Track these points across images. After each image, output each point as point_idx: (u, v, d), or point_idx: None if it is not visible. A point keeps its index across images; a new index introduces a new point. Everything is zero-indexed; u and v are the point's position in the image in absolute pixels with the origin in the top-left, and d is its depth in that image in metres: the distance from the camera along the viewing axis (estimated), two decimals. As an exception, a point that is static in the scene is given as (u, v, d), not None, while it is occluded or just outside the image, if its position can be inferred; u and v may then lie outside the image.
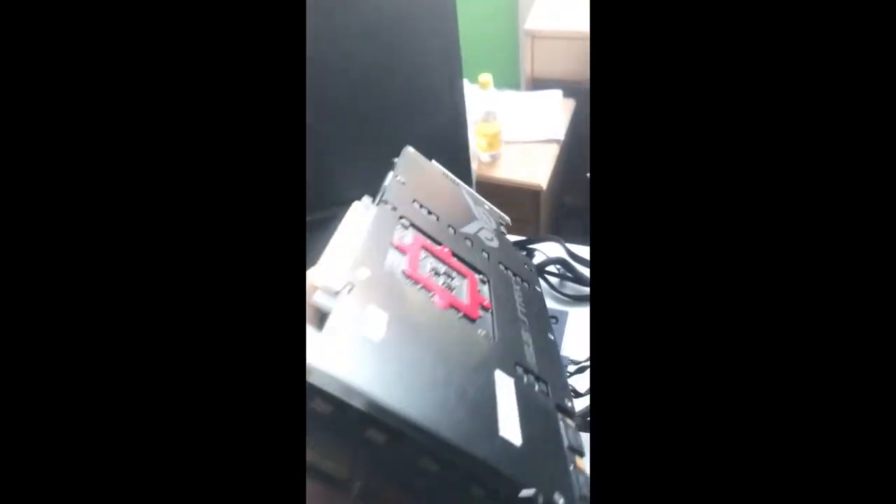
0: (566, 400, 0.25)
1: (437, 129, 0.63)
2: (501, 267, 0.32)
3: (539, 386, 0.24)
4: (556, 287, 0.65)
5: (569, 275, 0.64)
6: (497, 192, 1.33)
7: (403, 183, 0.31)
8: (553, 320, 0.52)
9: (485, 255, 0.32)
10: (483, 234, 0.34)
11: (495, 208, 0.41)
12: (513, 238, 0.68)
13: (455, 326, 0.23)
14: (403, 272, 0.24)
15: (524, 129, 1.39)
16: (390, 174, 0.32)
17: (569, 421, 0.23)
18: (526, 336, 0.27)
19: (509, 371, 0.23)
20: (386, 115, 0.60)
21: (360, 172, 0.64)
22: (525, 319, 0.29)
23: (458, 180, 0.39)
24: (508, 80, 1.68)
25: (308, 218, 0.77)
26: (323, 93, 0.57)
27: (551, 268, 0.66)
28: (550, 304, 0.63)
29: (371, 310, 0.19)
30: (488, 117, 1.24)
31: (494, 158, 1.34)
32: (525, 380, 0.23)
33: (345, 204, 0.67)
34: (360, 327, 0.18)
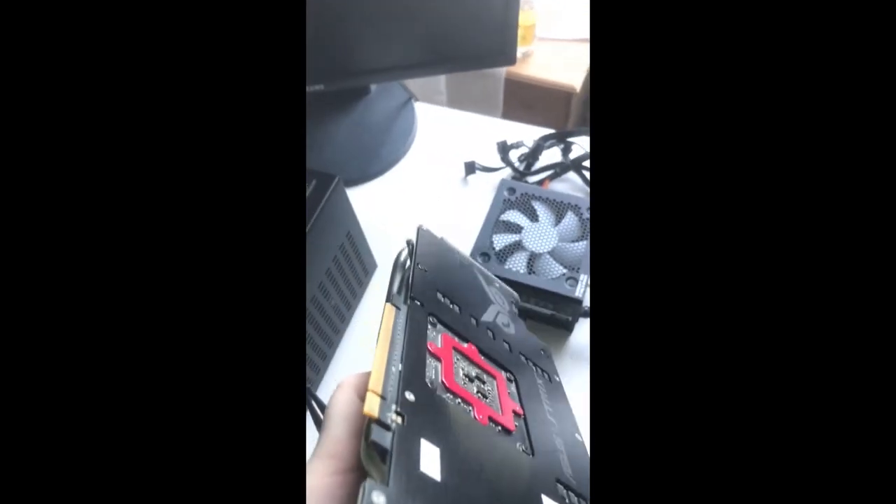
0: None
1: (482, 5, 0.57)
2: (522, 358, 0.32)
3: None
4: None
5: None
6: (527, 93, 1.26)
7: (426, 271, 0.31)
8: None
9: (506, 345, 0.32)
10: (500, 320, 0.34)
11: (505, 285, 0.41)
12: (547, 131, 0.65)
13: (498, 447, 0.23)
14: (443, 384, 0.24)
15: (561, 26, 1.29)
16: (405, 252, 0.32)
17: None
18: (558, 442, 0.27)
19: (553, 493, 0.23)
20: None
21: (397, 46, 0.61)
22: (553, 420, 0.29)
23: (469, 258, 0.39)
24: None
25: (351, 85, 0.72)
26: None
27: (588, 163, 0.63)
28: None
29: (424, 446, 0.19)
30: (525, 5, 1.15)
31: (525, 55, 1.26)
32: (567, 501, 0.24)
33: (376, 72, 0.62)
34: (420, 471, 0.18)
